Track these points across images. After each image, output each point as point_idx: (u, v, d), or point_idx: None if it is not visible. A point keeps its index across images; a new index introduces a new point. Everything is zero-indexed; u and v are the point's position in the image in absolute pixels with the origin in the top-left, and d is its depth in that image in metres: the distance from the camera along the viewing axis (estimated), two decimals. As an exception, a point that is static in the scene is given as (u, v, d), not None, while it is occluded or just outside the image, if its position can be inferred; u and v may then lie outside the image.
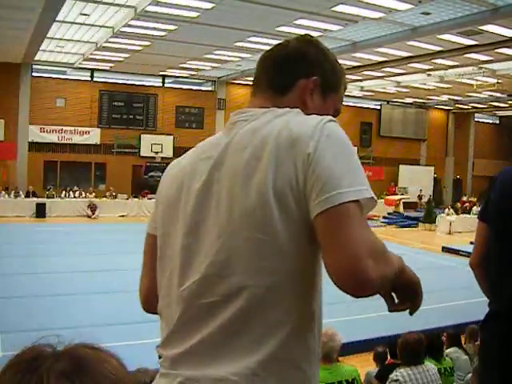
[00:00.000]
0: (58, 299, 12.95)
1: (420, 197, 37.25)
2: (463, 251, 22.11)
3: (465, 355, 7.09)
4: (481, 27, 19.29)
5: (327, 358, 5.01)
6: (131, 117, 33.69)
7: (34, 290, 13.64)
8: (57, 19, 20.13)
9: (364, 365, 7.85)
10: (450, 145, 44.35)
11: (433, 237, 27.95)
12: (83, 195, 30.54)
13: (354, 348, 9.57)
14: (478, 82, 29.67)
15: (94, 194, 30.71)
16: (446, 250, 22.83)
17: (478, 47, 22.13)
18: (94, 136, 32.36)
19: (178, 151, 33.24)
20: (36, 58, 28.52)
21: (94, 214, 29.07)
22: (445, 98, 38.56)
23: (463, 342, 7.71)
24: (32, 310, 11.98)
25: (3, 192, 28.64)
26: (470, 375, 6.09)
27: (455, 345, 7.37)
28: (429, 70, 28.19)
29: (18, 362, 1.05)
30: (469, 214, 31.54)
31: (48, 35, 22.94)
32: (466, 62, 25.31)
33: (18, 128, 30.58)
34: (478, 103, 39.80)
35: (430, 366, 5.54)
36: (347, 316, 12.06)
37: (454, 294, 14.77)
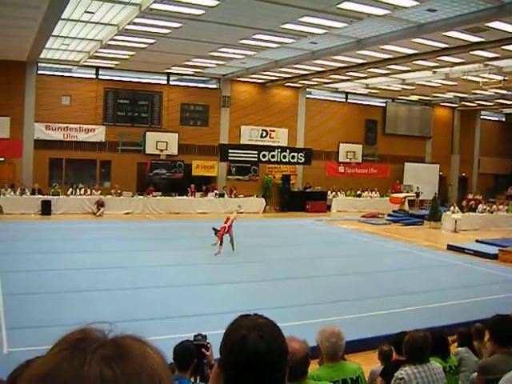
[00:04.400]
0: (64, 296, 12.98)
1: (417, 194, 37.18)
2: (468, 249, 22.11)
3: (474, 355, 7.07)
4: (487, 24, 19.23)
5: (333, 357, 5.00)
6: (136, 114, 33.72)
7: (40, 287, 13.68)
8: (62, 17, 20.15)
9: (369, 363, 7.84)
10: (455, 142, 44.26)
11: (438, 235, 27.91)
12: (88, 192, 30.58)
13: (358, 346, 9.56)
14: (484, 80, 29.55)
15: (99, 191, 30.73)
16: (451, 248, 22.76)
17: (483, 44, 22.07)
18: (99, 134, 32.41)
19: (183, 149, 33.36)
20: (41, 55, 28.57)
21: (99, 210, 29.11)
22: (450, 95, 38.50)
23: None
24: (39, 306, 12.02)
25: (9, 189, 28.74)
26: (475, 374, 6.06)
27: (466, 344, 7.35)
28: (434, 67, 28.10)
29: (67, 340, 1.10)
30: (474, 212, 31.50)
31: (53, 33, 22.96)
32: (472, 59, 25.24)
33: (24, 126, 30.66)
34: (484, 100, 39.70)
35: (435, 364, 5.52)
36: (352, 314, 12.05)
37: (459, 293, 14.72)
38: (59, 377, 1.01)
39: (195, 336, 5.06)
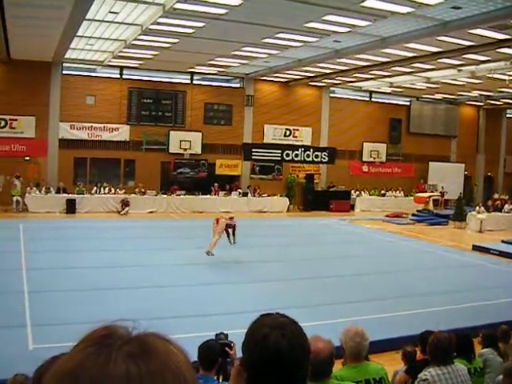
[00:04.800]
0: (87, 294, 13.08)
1: (442, 194, 36.90)
2: (494, 250, 21.88)
3: (499, 356, 6.99)
4: (513, 21, 19.02)
5: (357, 357, 4.97)
6: (160, 114, 33.85)
7: (64, 285, 13.80)
8: (86, 17, 20.30)
9: (392, 363, 7.78)
10: (481, 141, 43.80)
11: (463, 235, 27.67)
12: (112, 191, 30.78)
13: (382, 346, 9.50)
14: (510, 77, 29.23)
15: (123, 190, 30.93)
16: (476, 248, 22.53)
17: (510, 42, 21.80)
18: (123, 133, 32.60)
19: (207, 148, 33.44)
20: (66, 56, 28.79)
21: (124, 209, 29.29)
22: (476, 93, 38.12)
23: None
24: (64, 304, 12.12)
25: (34, 188, 29.01)
26: (501, 376, 6.00)
27: (491, 345, 7.27)
28: (459, 65, 27.84)
29: (92, 337, 1.10)
30: (500, 211, 31.18)
31: (78, 33, 23.14)
32: (498, 56, 24.95)
33: (49, 125, 30.95)
34: (510, 99, 39.22)
35: (459, 366, 5.47)
36: (375, 314, 11.99)
37: (484, 294, 14.56)
38: (84, 373, 1.02)
39: (217, 335, 5.06)
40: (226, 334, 5.02)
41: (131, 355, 1.04)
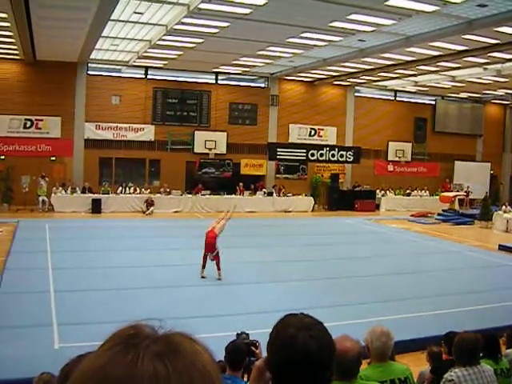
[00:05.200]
0: (111, 293, 13.18)
1: (467, 193, 36.60)
2: (521, 249, 21.65)
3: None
4: (540, 19, 18.80)
5: (382, 357, 4.96)
6: (185, 114, 33.96)
7: (89, 284, 13.92)
8: (111, 18, 20.44)
9: (417, 364, 7.74)
10: (507, 140, 43.37)
11: (489, 235, 27.42)
12: (138, 191, 30.96)
13: (407, 346, 9.45)
14: (537, 76, 28.96)
15: (148, 190, 31.10)
16: (502, 248, 22.31)
17: (536, 40, 21.59)
18: (148, 133, 32.76)
19: (232, 148, 33.48)
20: (91, 56, 28.99)
21: (148, 209, 29.43)
22: (502, 92, 37.71)
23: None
24: (88, 303, 12.23)
25: (60, 188, 29.28)
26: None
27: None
28: (485, 63, 27.61)
29: (119, 336, 1.11)
30: (527, 211, 30.84)
31: (103, 34, 23.30)
32: (525, 54, 24.71)
33: (75, 125, 31.20)
34: (537, 97, 38.86)
35: (486, 366, 5.42)
36: (401, 314, 11.93)
37: (510, 294, 14.41)
38: (113, 372, 1.03)
39: (238, 334, 5.07)
40: (248, 334, 5.04)
41: (158, 354, 1.05)
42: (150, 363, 1.03)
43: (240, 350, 5.01)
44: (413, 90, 38.54)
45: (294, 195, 34.02)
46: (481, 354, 5.77)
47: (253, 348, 4.72)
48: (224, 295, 13.50)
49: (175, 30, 22.45)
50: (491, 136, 42.44)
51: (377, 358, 4.95)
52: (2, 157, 29.55)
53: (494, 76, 30.79)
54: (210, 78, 34.60)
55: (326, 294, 13.87)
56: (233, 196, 32.33)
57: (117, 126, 31.92)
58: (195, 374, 1.06)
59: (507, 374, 6.31)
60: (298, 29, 22.02)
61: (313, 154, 35.49)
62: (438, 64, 27.95)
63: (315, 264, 17.86)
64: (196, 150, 33.54)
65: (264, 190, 33.82)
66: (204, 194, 31.87)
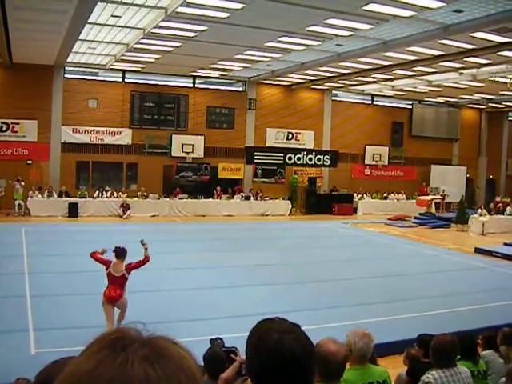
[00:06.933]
0: (88, 298, 13.05)
1: (444, 197, 36.92)
2: (496, 252, 21.85)
3: (500, 358, 6.98)
4: (515, 24, 19.01)
5: (363, 359, 4.96)
6: (162, 117, 33.89)
7: (66, 289, 13.80)
8: (88, 21, 20.34)
9: (395, 366, 7.76)
10: (482, 144, 43.85)
11: (465, 238, 27.63)
12: (115, 195, 30.82)
13: (385, 349, 9.48)
14: (512, 81, 29.26)
15: (126, 194, 30.97)
16: (479, 251, 22.50)
17: (511, 45, 21.80)
18: (125, 136, 32.63)
19: (209, 151, 33.45)
20: (68, 59, 28.84)
21: (125, 213, 29.28)
22: (477, 96, 38.10)
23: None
24: (65, 308, 12.12)
25: (37, 192, 29.03)
26: (503, 379, 5.99)
27: (491, 347, 7.26)
28: (461, 68, 27.86)
29: (105, 339, 1.11)
30: (502, 214, 31.16)
31: (80, 37, 23.17)
32: (499, 59, 24.97)
33: (51, 129, 30.98)
34: (512, 102, 39.30)
35: (462, 368, 5.46)
36: (378, 317, 11.96)
37: (486, 296, 14.54)
38: (103, 375, 1.02)
39: (214, 340, 5.06)
40: (222, 339, 5.02)
41: (148, 358, 1.05)
42: (140, 367, 1.03)
43: (219, 359, 4.97)
44: (390, 95, 38.81)
45: (271, 199, 34.06)
46: (458, 357, 5.82)
47: (232, 355, 4.70)
48: (202, 299, 13.45)
49: (153, 33, 22.41)
50: (467, 140, 42.87)
51: (358, 360, 4.94)
52: (-22, 160, 29.25)
53: (470, 81, 31.11)
54: (187, 82, 34.55)
55: (304, 297, 13.87)
56: (210, 200, 32.30)
57: (94, 130, 31.74)
58: (183, 377, 1.07)
59: (484, 375, 6.37)
60: (275, 33, 22.07)
61: (290, 158, 35.55)
62: (415, 68, 28.18)
63: (293, 268, 17.86)
64: (173, 154, 33.46)
65: (241, 193, 33.80)
66: (181, 198, 31.77)
